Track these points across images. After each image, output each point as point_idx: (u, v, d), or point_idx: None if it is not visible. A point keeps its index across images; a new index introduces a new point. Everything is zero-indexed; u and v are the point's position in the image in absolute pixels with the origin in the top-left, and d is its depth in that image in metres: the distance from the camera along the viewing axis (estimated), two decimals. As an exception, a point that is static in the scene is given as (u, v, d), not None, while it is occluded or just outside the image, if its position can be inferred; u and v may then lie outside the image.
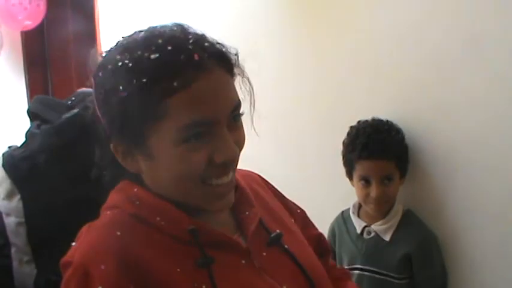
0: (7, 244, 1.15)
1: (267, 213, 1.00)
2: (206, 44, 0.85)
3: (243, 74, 0.90)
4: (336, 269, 1.13)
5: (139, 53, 0.82)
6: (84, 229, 0.89)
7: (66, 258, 0.86)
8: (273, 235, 0.95)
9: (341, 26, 1.76)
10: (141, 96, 0.81)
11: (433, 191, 1.64)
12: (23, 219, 1.13)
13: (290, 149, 1.94)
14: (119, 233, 0.85)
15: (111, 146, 0.89)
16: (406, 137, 1.60)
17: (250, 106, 0.92)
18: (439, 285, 1.57)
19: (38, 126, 1.21)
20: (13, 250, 1.15)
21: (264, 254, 0.93)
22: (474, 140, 1.53)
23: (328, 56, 1.81)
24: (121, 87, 0.82)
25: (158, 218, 0.87)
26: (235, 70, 0.89)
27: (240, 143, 0.88)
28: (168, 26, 0.87)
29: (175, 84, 0.81)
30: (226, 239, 0.90)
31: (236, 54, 0.89)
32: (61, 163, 1.15)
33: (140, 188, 0.90)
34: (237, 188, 0.96)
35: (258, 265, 0.91)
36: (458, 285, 1.59)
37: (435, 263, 1.56)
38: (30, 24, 2.87)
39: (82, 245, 0.86)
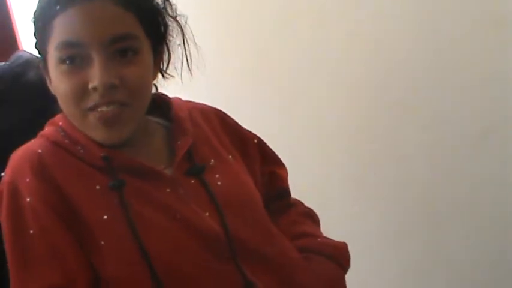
0: None
1: (203, 142, 1.05)
2: None
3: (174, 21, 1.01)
4: (279, 204, 1.15)
5: None
6: (12, 155, 0.97)
7: None
8: (194, 167, 1.00)
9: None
10: (39, 17, 0.97)
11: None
12: None
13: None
14: (39, 151, 0.95)
15: (41, 68, 1.01)
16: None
17: (184, 53, 1.03)
18: None
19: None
20: None
21: (193, 181, 0.99)
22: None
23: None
24: (33, 13, 0.98)
25: (78, 147, 0.96)
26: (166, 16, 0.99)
27: (128, 80, 0.92)
28: None
29: (57, 7, 0.93)
30: (143, 166, 0.96)
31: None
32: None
33: (66, 120, 0.99)
34: (174, 117, 1.04)
35: (183, 192, 0.97)
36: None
37: None
38: None
39: (8, 167, 0.96)
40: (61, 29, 0.93)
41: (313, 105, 1.80)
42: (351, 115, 1.78)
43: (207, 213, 0.96)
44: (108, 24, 0.92)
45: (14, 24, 2.53)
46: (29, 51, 1.27)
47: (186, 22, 1.03)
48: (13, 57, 1.26)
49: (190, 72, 1.04)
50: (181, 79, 1.04)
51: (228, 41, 1.83)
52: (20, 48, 2.49)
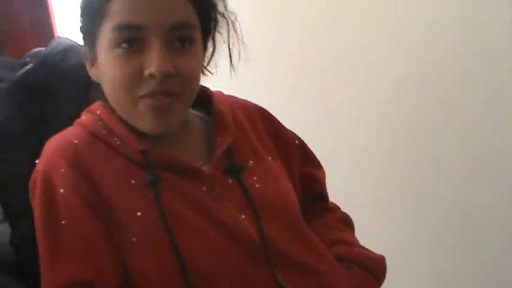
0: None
1: (244, 141, 1.02)
2: None
3: (226, 17, 0.98)
4: (316, 207, 1.12)
5: None
6: (46, 143, 0.95)
7: (32, 178, 0.93)
8: (233, 166, 0.98)
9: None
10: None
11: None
12: None
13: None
14: (76, 141, 0.92)
15: (82, 52, 0.98)
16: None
17: (229, 48, 1.00)
18: None
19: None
20: (-16, 211, 1.14)
21: (230, 181, 0.96)
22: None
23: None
24: None
25: (115, 139, 0.93)
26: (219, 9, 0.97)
27: (182, 71, 0.89)
28: None
29: None
30: (181, 162, 0.94)
31: None
32: (23, 118, 1.14)
33: (104, 109, 0.96)
34: (215, 111, 1.01)
35: (220, 192, 0.94)
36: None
37: None
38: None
39: (43, 156, 0.93)
40: (121, 10, 0.89)
41: (358, 108, 1.79)
42: (392, 117, 1.76)
43: (243, 216, 0.94)
44: (170, 10, 0.90)
45: (50, 9, 2.53)
46: (69, 38, 1.26)
47: (235, 19, 1.00)
48: (53, 44, 1.25)
49: (233, 70, 1.02)
50: (231, 76, 1.01)
51: (274, 40, 1.81)
52: (56, 34, 2.50)
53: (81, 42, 1.03)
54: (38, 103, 1.15)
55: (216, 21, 1.00)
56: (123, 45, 0.89)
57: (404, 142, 1.75)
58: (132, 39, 0.89)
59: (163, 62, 0.88)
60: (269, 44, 1.78)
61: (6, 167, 1.12)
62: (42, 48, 1.26)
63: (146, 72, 0.88)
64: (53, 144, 0.94)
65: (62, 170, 0.89)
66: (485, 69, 1.63)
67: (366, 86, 1.76)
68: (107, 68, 0.92)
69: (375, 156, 1.80)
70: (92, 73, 0.98)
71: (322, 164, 1.17)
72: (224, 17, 1.00)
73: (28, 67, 1.18)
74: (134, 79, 0.89)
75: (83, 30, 0.98)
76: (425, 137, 1.73)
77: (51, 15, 2.55)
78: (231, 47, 1.01)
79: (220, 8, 0.98)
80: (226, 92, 1.11)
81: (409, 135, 1.75)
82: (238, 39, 1.00)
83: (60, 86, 1.16)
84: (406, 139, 1.75)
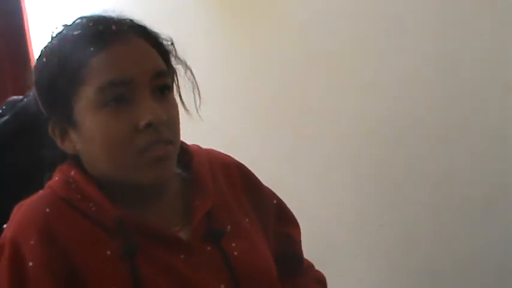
0: None
1: (221, 205, 1.01)
2: (128, 20, 0.93)
3: (182, 63, 0.97)
4: (291, 267, 1.11)
5: (64, 32, 0.92)
6: (16, 208, 0.92)
7: None
8: (212, 232, 0.96)
9: (271, 22, 1.82)
10: (64, 65, 0.88)
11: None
12: None
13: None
14: (47, 210, 0.89)
15: (50, 131, 0.94)
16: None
17: (194, 93, 0.99)
18: None
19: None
20: None
21: (209, 248, 0.94)
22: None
23: (261, 51, 1.87)
24: (46, 62, 0.91)
25: (90, 204, 0.90)
26: (171, 58, 0.95)
27: (171, 117, 0.87)
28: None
29: (92, 49, 0.87)
30: (158, 231, 0.91)
31: (170, 42, 0.95)
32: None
33: (78, 171, 0.93)
34: (194, 171, 0.99)
35: (198, 261, 0.92)
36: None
37: None
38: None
39: (12, 223, 0.90)
40: (103, 69, 0.87)
41: (322, 153, 1.82)
42: (359, 163, 1.81)
43: (223, 286, 0.93)
44: (149, 60, 0.90)
45: (32, 60, 2.56)
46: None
47: (186, 65, 1.00)
48: (30, 95, 1.24)
49: (191, 113, 1.02)
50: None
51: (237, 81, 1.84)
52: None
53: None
54: (11, 155, 1.16)
55: (173, 68, 0.99)
56: (110, 103, 0.87)
57: (373, 191, 1.77)
58: (120, 95, 0.87)
59: (157, 109, 0.87)
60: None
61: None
62: (20, 97, 1.26)
63: (142, 123, 0.87)
64: (24, 211, 0.90)
65: (32, 242, 0.86)
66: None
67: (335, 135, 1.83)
68: (97, 130, 0.88)
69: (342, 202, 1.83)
70: (66, 147, 0.94)
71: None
72: (182, 61, 0.99)
73: (4, 119, 1.19)
74: (131, 134, 0.87)
75: (48, 105, 0.93)
76: (394, 188, 1.76)
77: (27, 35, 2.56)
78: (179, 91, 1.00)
79: (173, 55, 0.98)
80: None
81: (376, 185, 1.78)
82: (193, 83, 0.99)
83: (34, 139, 1.17)
84: (374, 188, 1.78)
